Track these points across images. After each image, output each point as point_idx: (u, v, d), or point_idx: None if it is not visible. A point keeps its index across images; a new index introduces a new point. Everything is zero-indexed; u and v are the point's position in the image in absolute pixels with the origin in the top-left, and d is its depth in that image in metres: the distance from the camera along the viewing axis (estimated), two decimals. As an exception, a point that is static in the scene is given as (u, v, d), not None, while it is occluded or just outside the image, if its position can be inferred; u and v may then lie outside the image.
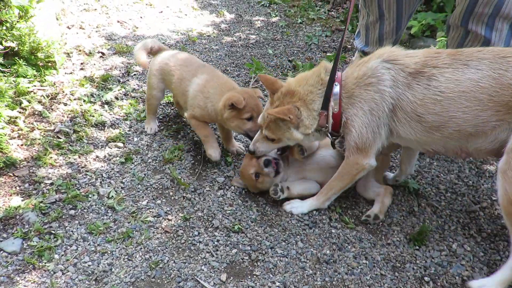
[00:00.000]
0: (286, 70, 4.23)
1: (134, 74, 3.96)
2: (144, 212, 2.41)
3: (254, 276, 2.06)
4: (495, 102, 1.91)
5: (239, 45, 4.86)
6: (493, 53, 1.96)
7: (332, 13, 5.89)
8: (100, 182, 2.61)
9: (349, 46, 4.82)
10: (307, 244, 2.25)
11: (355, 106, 2.14)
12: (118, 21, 5.29)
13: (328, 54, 4.61)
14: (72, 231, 2.25)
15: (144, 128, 3.14)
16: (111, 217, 2.36)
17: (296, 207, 2.44)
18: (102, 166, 2.75)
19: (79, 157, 2.80)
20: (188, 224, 2.35)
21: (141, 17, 5.54)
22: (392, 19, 3.06)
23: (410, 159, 2.54)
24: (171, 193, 2.57)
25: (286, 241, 2.26)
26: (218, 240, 2.25)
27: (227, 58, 4.47)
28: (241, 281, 2.03)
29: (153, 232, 2.28)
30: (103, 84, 3.69)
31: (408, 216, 2.45)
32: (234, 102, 2.45)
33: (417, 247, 2.25)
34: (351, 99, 2.15)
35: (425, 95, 2.00)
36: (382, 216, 2.37)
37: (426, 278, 2.07)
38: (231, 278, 2.05)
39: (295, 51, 4.70)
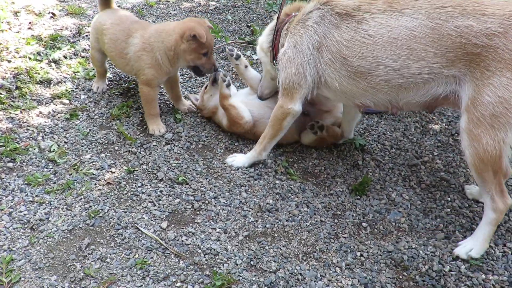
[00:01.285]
0: (244, 35, 4.18)
1: (86, 35, 3.83)
2: (86, 165, 2.36)
3: (196, 224, 2.06)
4: (431, 53, 1.86)
5: (198, 10, 4.77)
6: (430, 3, 1.90)
7: (295, -18, 5.84)
8: (42, 137, 2.53)
9: None
10: (251, 194, 2.27)
11: (285, 40, 2.16)
12: (72, -17, 5.08)
13: (287, 20, 4.58)
14: (9, 182, 2.18)
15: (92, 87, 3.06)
16: (51, 169, 2.30)
17: (237, 161, 2.45)
18: (46, 122, 2.66)
19: (21, 112, 2.70)
20: (132, 176, 2.32)
21: (97, -20, 5.33)
22: None
23: (349, 122, 2.57)
24: (116, 148, 2.52)
25: (230, 192, 2.27)
26: (161, 191, 2.23)
27: (185, 23, 4.38)
28: (182, 228, 2.03)
29: (95, 184, 2.24)
30: (51, 43, 3.55)
31: (352, 169, 2.50)
32: (198, 35, 2.39)
33: (358, 197, 2.30)
34: (285, 35, 2.18)
35: (352, 37, 1.97)
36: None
37: (364, 224, 2.13)
38: (172, 225, 2.05)
39: (255, 18, 4.65)
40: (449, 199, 2.32)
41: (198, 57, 2.51)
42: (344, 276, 1.86)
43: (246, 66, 2.77)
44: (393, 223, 2.15)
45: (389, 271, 1.90)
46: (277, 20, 2.29)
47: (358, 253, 1.97)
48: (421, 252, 1.99)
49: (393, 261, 1.94)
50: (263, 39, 2.42)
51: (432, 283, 1.85)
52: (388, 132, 2.85)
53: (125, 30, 2.61)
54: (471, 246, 1.95)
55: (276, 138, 2.37)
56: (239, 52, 2.73)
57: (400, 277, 1.89)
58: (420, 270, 1.90)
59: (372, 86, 1.99)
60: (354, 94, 2.07)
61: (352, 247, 2.00)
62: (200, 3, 4.99)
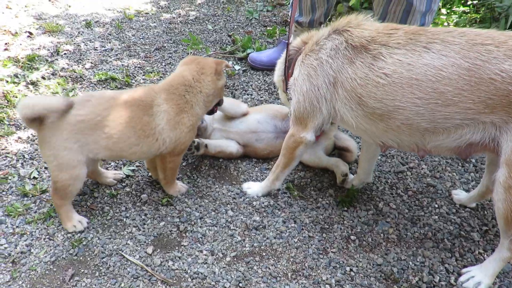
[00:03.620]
0: (225, 45, 4.16)
1: (64, 53, 3.77)
2: (68, 191, 2.31)
3: (182, 247, 2.02)
4: (465, 98, 1.60)
5: (178, 21, 4.73)
6: (466, 38, 1.62)
7: (274, -12, 5.83)
8: (22, 164, 2.47)
9: (288, 20, 4.78)
10: (237, 212, 2.24)
11: (297, 70, 2.02)
12: (49, 0, 5.01)
13: (268, 28, 4.57)
14: (-13, 214, 2.13)
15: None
16: (32, 198, 2.25)
17: (252, 189, 2.35)
18: (25, 148, 2.60)
19: (-1, 139, 2.64)
20: (115, 200, 2.27)
21: (74, -5, 5.27)
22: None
23: (367, 164, 2.32)
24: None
25: (216, 211, 2.24)
26: (146, 214, 2.19)
27: (165, 35, 4.34)
28: (168, 253, 1.99)
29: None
30: (28, 64, 3.49)
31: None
32: (227, 64, 2.23)
33: (346, 209, 2.28)
34: (298, 63, 2.03)
35: (366, 75, 1.75)
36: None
37: (352, 237, 2.11)
38: (158, 250, 2.00)
39: (235, 26, 4.63)
40: (436, 205, 2.32)
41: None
42: (334, 293, 1.84)
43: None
44: (382, 234, 2.13)
45: (380, 285, 1.88)
46: (286, 48, 2.17)
47: (348, 268, 1.95)
48: (410, 263, 1.98)
49: (383, 274, 1.93)
50: (278, 70, 2.34)
51: (423, 294, 1.84)
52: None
53: (140, 104, 2.02)
54: (480, 279, 1.83)
55: (289, 167, 2.23)
56: (198, 142, 2.48)
57: (391, 290, 1.87)
58: (411, 282, 1.89)
59: (392, 128, 1.77)
60: (374, 133, 1.86)
61: (341, 262, 1.98)
62: (180, 14, 4.95)
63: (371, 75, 1.75)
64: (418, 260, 1.99)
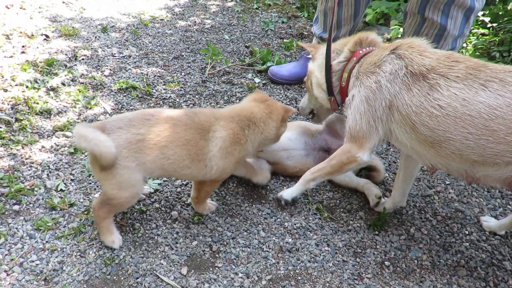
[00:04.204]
0: (243, 56, 4.14)
1: (82, 59, 3.73)
2: (97, 205, 2.27)
3: (216, 268, 2.00)
4: None
5: (194, 29, 4.71)
6: None
7: (288, -1, 5.84)
8: (47, 175, 2.43)
9: (306, 33, 4.80)
10: (269, 233, 2.21)
11: (356, 90, 2.01)
12: (63, 2, 4.97)
13: (285, 40, 4.56)
14: (17, 228, 2.08)
15: (94, 117, 2.96)
16: (60, 212, 2.20)
17: (287, 192, 2.35)
18: (49, 157, 2.55)
19: (23, 147, 2.59)
20: (145, 217, 2.24)
21: (88, -2, 5.22)
22: (350, 5, 3.05)
23: (404, 184, 2.30)
24: (125, 185, 2.44)
25: (248, 231, 2.21)
26: (177, 232, 2.16)
27: (182, 43, 4.31)
28: (203, 274, 1.96)
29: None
30: (47, 69, 3.44)
31: (367, 202, 2.47)
32: (292, 111, 2.25)
33: (377, 232, 2.27)
34: (357, 81, 2.03)
35: (421, 103, 1.77)
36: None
37: (386, 263, 2.10)
38: (192, 271, 1.97)
39: (252, 37, 4.61)
40: (467, 232, 2.32)
41: None
42: (373, 322, 1.82)
43: None
44: (415, 261, 2.12)
45: (417, 314, 1.87)
46: (327, 54, 2.19)
47: (384, 295, 1.94)
48: (446, 292, 1.97)
49: (419, 303, 1.92)
50: (320, 77, 2.29)
51: (461, 325, 1.83)
52: (398, 160, 2.84)
53: (198, 127, 1.99)
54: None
55: (330, 177, 2.29)
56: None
57: (429, 320, 1.86)
58: (448, 312, 1.88)
59: (442, 155, 1.79)
60: (425, 156, 1.87)
61: (377, 288, 1.97)
62: (195, 22, 4.93)
63: (426, 105, 1.76)
64: (453, 289, 1.99)
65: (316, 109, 2.55)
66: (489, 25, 4.03)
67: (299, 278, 1.99)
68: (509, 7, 4.02)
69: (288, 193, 2.34)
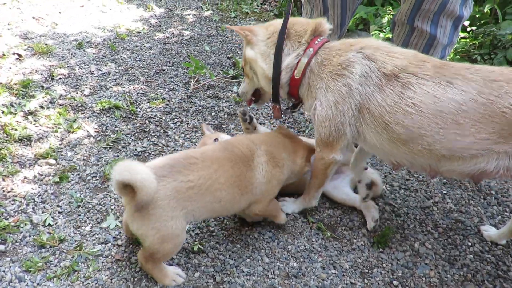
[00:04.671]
0: (226, 68, 4.06)
1: (59, 78, 3.56)
2: (89, 239, 2.14)
3: (222, 301, 1.91)
4: (481, 129, 1.72)
5: (173, 41, 4.59)
6: (482, 75, 1.75)
7: (266, 6, 5.81)
8: (33, 208, 2.28)
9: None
10: (272, 258, 2.14)
11: (320, 91, 1.99)
12: (33, 17, 4.76)
13: (267, 50, 4.50)
14: (4, 271, 1.93)
15: (78, 141, 2.82)
16: (50, 249, 2.07)
17: (288, 206, 2.39)
18: (33, 189, 2.40)
19: (4, 179, 2.43)
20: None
21: (59, 12, 5.04)
22: (336, 15, 3.01)
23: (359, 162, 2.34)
24: (117, 214, 2.31)
25: (251, 257, 2.13)
26: (177, 264, 2.05)
27: (162, 57, 4.20)
28: (209, 308, 1.87)
29: (103, 262, 2.03)
30: (23, 91, 3.27)
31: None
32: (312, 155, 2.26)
33: (381, 250, 2.23)
34: (319, 81, 2.00)
35: (396, 102, 1.82)
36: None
37: (395, 282, 2.06)
38: (197, 306, 1.88)
39: (233, 47, 4.54)
40: (469, 243, 2.30)
41: None
42: None
43: (255, 128, 2.53)
44: (423, 278, 2.09)
45: (432, 335, 1.83)
46: (279, 40, 2.07)
47: (397, 318, 1.89)
48: (457, 309, 1.94)
49: (432, 323, 1.88)
50: (266, 68, 2.14)
51: None
52: (393, 171, 2.82)
53: (242, 159, 1.94)
54: None
55: (323, 187, 2.31)
56: (251, 114, 2.49)
57: None
58: (462, 331, 1.85)
59: (413, 152, 1.86)
60: (393, 154, 1.95)
61: (389, 311, 1.92)
62: (173, 33, 4.81)
63: (400, 103, 1.81)
64: (464, 305, 1.96)
65: (261, 92, 2.39)
66: (468, 29, 4.08)
67: (309, 305, 1.92)
68: (485, 10, 4.09)
69: (290, 207, 2.39)
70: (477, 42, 3.88)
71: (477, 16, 4.29)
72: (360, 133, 1.99)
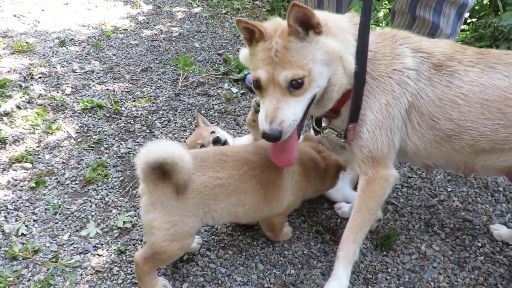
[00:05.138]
0: (216, 64, 3.88)
1: (39, 77, 3.36)
2: (66, 249, 1.95)
3: (213, 314, 1.73)
4: None
5: (161, 38, 4.41)
6: None
7: (257, 2, 5.64)
8: (5, 217, 2.09)
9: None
10: (268, 265, 1.96)
11: (372, 93, 1.62)
12: (14, 15, 4.55)
13: (258, 45, 4.33)
14: (-31, 288, 1.74)
15: (57, 143, 2.62)
16: (22, 261, 1.87)
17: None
18: (6, 195, 2.21)
19: (-26, 186, 2.24)
20: (124, 258, 1.94)
21: (42, 10, 4.84)
22: (331, 6, 2.84)
23: None
24: (98, 221, 2.13)
25: (244, 265, 1.95)
26: (163, 274, 1.87)
27: (149, 54, 4.01)
28: (198, 323, 1.69)
29: (81, 275, 1.84)
30: (-1, 91, 3.07)
31: (370, 219, 2.26)
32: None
33: (385, 253, 2.06)
34: (372, 81, 1.62)
35: (445, 94, 1.59)
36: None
37: (401, 289, 1.89)
38: (185, 321, 1.70)
39: (224, 44, 4.36)
40: (479, 244, 2.14)
41: None
42: None
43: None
44: (432, 283, 1.92)
45: None
46: (365, 20, 1.56)
47: (405, 328, 1.72)
48: (470, 317, 1.78)
49: (444, 333, 1.72)
50: (352, 62, 1.55)
51: None
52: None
53: (272, 165, 1.73)
54: None
55: (371, 224, 1.82)
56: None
57: None
58: None
59: (454, 149, 1.67)
60: (433, 155, 1.73)
61: (396, 321, 1.75)
62: (162, 30, 4.63)
63: (449, 95, 1.61)
64: (477, 312, 1.80)
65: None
66: (469, 21, 3.94)
67: (309, 316, 1.75)
68: (485, 1, 3.95)
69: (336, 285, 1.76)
70: (477, 34, 3.74)
71: (477, 8, 4.15)
72: (404, 139, 1.71)
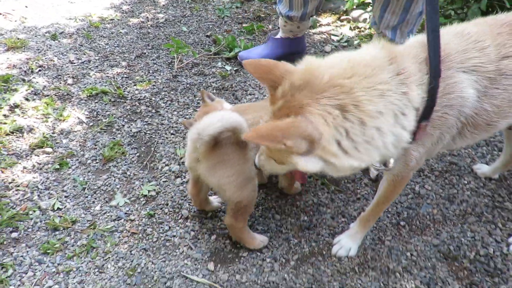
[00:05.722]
0: (206, 46, 4.05)
1: (39, 70, 3.48)
2: (100, 218, 2.15)
3: (242, 258, 1.97)
4: None
5: (149, 25, 4.54)
6: None
7: (236, -16, 5.76)
8: (38, 195, 2.27)
9: (263, 15, 4.76)
10: (283, 215, 2.20)
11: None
12: (0, 13, 4.59)
13: (244, 25, 4.51)
14: (22, 256, 1.93)
15: (70, 128, 2.79)
16: (64, 231, 2.07)
17: (345, 247, 2.01)
18: (35, 177, 2.38)
19: (2, 171, 2.40)
20: (155, 220, 2.15)
21: (26, 6, 4.88)
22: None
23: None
24: (124, 192, 2.33)
25: (263, 216, 2.19)
26: (193, 230, 2.10)
27: (140, 41, 4.14)
28: (230, 266, 1.92)
29: (119, 237, 2.05)
30: (4, 85, 3.19)
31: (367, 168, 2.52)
32: None
33: (385, 196, 2.33)
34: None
35: (504, 98, 1.43)
36: None
37: (402, 223, 2.16)
38: (219, 265, 1.93)
39: (210, 26, 4.52)
40: (465, 181, 2.43)
41: None
42: (405, 280, 1.87)
43: None
44: (428, 216, 2.20)
45: (443, 265, 1.94)
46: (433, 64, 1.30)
47: (408, 254, 2.00)
48: (463, 239, 2.06)
49: (442, 254, 2.00)
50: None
51: (483, 267, 1.93)
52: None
53: None
54: None
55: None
56: None
57: (454, 268, 1.94)
58: (469, 258, 1.97)
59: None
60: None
61: (400, 248, 2.02)
62: (148, 18, 4.74)
63: (505, 94, 1.44)
64: (468, 235, 2.08)
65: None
66: (439, -14, 4.17)
67: (324, 252, 2.01)
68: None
69: (347, 247, 2.00)
70: (447, -3, 3.99)
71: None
72: (446, 145, 1.61)
